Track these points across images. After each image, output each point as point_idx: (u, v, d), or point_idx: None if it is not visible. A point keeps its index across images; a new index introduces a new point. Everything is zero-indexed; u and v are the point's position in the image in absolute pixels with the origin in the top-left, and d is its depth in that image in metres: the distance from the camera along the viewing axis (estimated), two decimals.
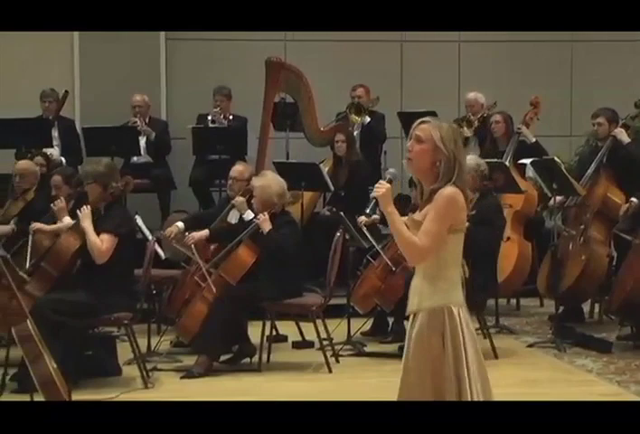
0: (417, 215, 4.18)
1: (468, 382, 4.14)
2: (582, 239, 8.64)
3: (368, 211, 4.13)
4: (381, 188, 4.12)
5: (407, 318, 4.30)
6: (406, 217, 4.23)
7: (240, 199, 7.87)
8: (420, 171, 4.19)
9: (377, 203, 4.14)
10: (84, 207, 7.02)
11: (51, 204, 7.44)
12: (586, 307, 9.16)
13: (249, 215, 7.70)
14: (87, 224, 6.95)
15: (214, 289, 7.37)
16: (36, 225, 7.40)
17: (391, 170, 4.25)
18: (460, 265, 4.27)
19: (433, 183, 4.15)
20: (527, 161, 9.22)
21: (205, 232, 7.76)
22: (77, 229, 7.02)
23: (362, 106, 10.34)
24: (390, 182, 4.22)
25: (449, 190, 4.11)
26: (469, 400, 4.12)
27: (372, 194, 4.14)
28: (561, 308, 8.51)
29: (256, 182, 7.63)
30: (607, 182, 8.79)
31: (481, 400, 4.17)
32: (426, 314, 4.16)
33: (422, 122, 4.21)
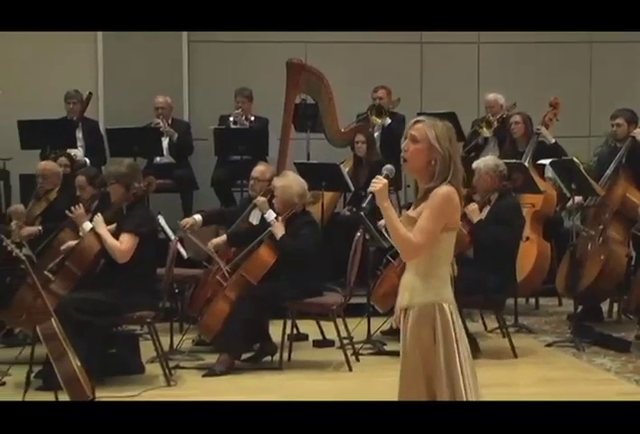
0: (412, 212, 4.19)
1: (462, 378, 4.15)
2: (601, 239, 8.60)
3: (364, 205, 4.12)
4: (378, 183, 4.13)
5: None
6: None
7: (261, 199, 7.87)
8: (416, 170, 4.20)
9: (374, 198, 4.14)
10: (97, 215, 7.06)
11: (69, 213, 7.37)
12: (604, 307, 9.14)
13: (270, 215, 7.69)
14: (102, 231, 6.97)
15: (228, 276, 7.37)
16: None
17: (388, 166, 4.26)
18: (450, 263, 4.29)
19: (428, 182, 4.17)
20: (546, 161, 9.19)
21: (223, 238, 7.77)
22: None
23: (382, 107, 10.32)
24: (386, 177, 4.20)
25: (445, 189, 4.13)
26: (463, 396, 4.13)
27: (369, 189, 4.14)
28: (580, 308, 8.47)
29: (277, 182, 7.63)
30: (626, 182, 8.75)
31: (473, 396, 4.17)
32: (417, 309, 4.18)
33: (417, 122, 4.24)
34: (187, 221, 8.06)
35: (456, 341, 4.18)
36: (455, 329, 4.19)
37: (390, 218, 4.11)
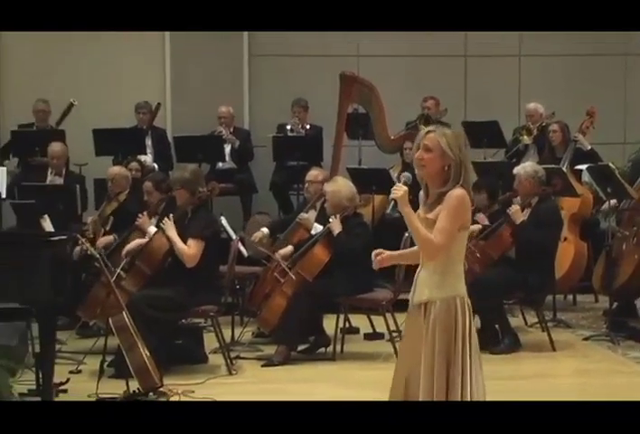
0: (429, 215, 4.23)
1: (470, 366, 4.21)
2: (635, 239, 8.50)
3: (388, 211, 4.21)
4: (398, 190, 4.21)
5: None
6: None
7: (304, 216, 7.91)
8: (430, 176, 4.25)
9: (396, 204, 4.20)
10: (166, 219, 7.08)
11: (135, 221, 7.44)
12: (639, 303, 9.03)
13: (317, 229, 7.75)
14: (172, 234, 7.01)
15: (293, 277, 7.38)
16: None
17: (406, 173, 4.33)
18: (463, 260, 4.34)
19: (441, 187, 4.23)
20: (583, 167, 9.13)
21: (290, 248, 7.78)
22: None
23: (430, 117, 10.28)
24: (405, 184, 4.27)
25: (459, 191, 4.19)
26: (473, 381, 4.20)
27: (391, 196, 4.21)
28: (615, 304, 8.40)
29: (327, 187, 7.66)
30: None
31: (480, 381, 4.25)
32: (439, 303, 4.23)
33: (429, 132, 4.29)
34: (257, 235, 8.11)
35: (470, 331, 4.26)
36: (470, 321, 4.27)
37: (412, 222, 4.19)
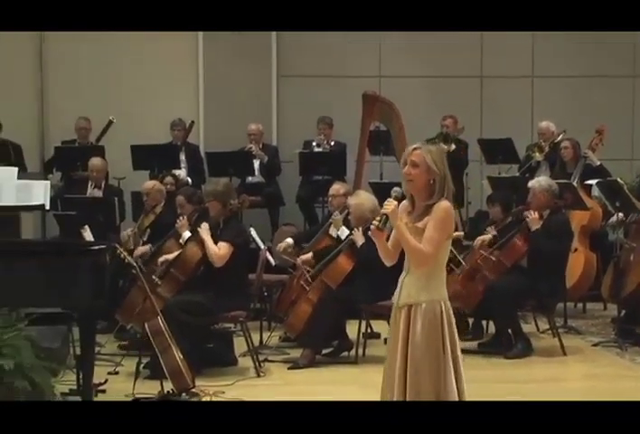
0: (418, 223, 4.27)
1: (455, 363, 4.25)
2: None
3: (379, 225, 4.19)
4: (389, 205, 4.24)
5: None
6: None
7: (337, 218, 7.91)
8: (417, 189, 4.30)
9: (387, 218, 4.22)
10: (203, 224, 7.14)
11: (175, 224, 7.51)
12: None
13: (343, 232, 7.74)
14: (205, 236, 7.05)
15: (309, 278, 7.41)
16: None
17: (396, 188, 4.36)
18: (445, 266, 4.38)
19: (427, 199, 4.28)
20: (593, 182, 9.09)
21: (310, 255, 7.79)
22: (199, 241, 7.11)
23: (449, 135, 10.27)
24: (396, 199, 4.29)
25: (445, 204, 4.25)
26: (462, 376, 4.25)
27: (382, 211, 4.24)
28: (623, 312, 8.34)
29: (351, 200, 7.66)
30: None
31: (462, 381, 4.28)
32: (425, 306, 4.26)
33: (415, 149, 4.31)
34: (281, 245, 8.10)
35: (454, 331, 4.29)
36: (452, 323, 4.30)
37: (403, 234, 4.23)
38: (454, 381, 4.25)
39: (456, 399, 4.25)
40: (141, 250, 7.96)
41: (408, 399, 4.24)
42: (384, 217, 4.22)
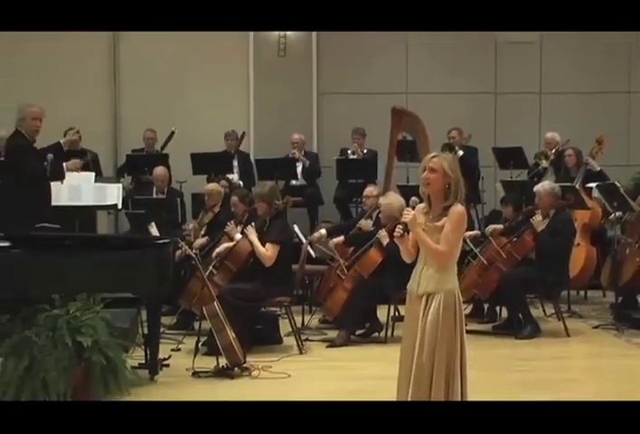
0: (438, 223, 4.24)
1: (464, 353, 4.23)
2: (637, 245, 8.37)
3: (402, 232, 4.20)
4: (408, 214, 4.24)
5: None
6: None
7: (364, 222, 7.88)
8: (434, 192, 4.28)
9: (406, 225, 4.22)
10: (249, 226, 7.12)
11: (225, 228, 7.46)
12: None
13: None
14: (253, 238, 7.03)
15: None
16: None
17: (414, 198, 4.36)
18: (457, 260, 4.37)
19: (443, 201, 4.26)
20: (593, 185, 9.00)
21: (341, 238, 7.80)
22: (249, 240, 7.11)
23: (452, 145, 10.21)
24: (413, 208, 4.31)
25: (460, 207, 4.24)
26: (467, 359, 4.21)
27: (403, 219, 4.24)
28: (620, 298, 8.27)
29: (382, 201, 7.63)
30: None
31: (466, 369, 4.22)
32: (442, 295, 4.23)
33: (433, 157, 4.32)
34: (315, 235, 8.09)
35: (462, 315, 4.27)
36: (462, 308, 4.29)
37: (423, 239, 4.23)
38: (466, 356, 4.22)
39: (466, 370, 4.21)
40: (199, 242, 8.00)
41: (426, 368, 4.16)
42: (404, 225, 4.21)
